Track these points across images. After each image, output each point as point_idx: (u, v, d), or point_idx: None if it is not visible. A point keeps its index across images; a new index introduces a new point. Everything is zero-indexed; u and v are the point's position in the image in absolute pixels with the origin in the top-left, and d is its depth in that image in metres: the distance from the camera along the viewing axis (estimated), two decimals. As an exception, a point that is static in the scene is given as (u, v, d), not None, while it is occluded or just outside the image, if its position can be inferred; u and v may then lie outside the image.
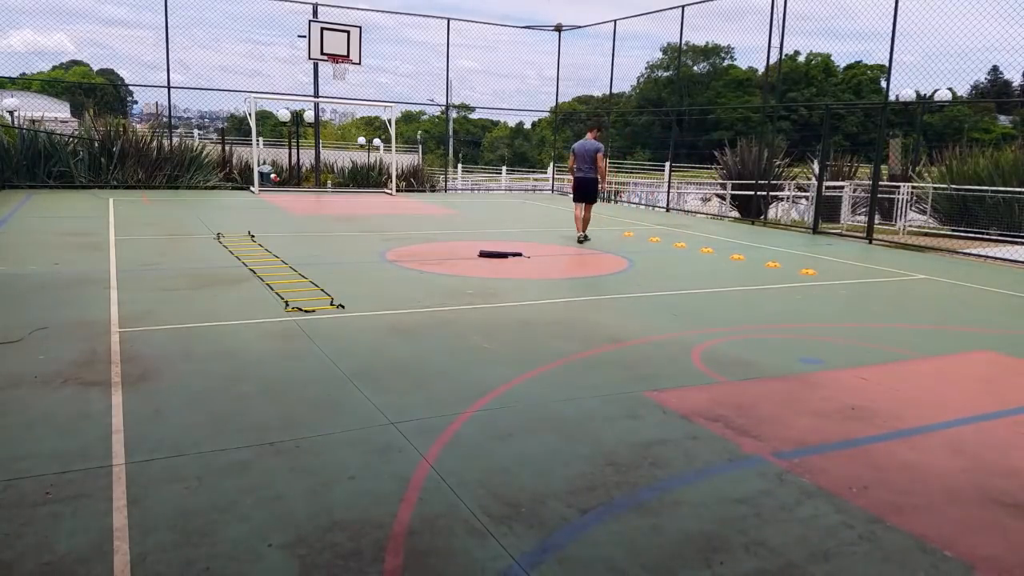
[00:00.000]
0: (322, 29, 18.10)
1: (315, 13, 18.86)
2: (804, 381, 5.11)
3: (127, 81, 34.14)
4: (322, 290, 7.36)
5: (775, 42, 15.46)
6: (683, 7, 17.30)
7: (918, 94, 18.79)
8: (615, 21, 20.05)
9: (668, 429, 4.15)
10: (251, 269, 8.34)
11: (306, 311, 6.52)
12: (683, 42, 18.24)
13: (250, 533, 2.94)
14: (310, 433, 3.93)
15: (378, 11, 30.37)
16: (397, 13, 29.54)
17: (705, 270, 9.86)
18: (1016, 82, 50.08)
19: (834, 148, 31.53)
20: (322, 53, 18.11)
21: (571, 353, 5.59)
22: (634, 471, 3.60)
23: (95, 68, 54.26)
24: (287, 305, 6.68)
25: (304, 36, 18.44)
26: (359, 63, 18.63)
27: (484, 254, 10.03)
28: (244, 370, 4.93)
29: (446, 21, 20.57)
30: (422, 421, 4.14)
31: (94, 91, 43.93)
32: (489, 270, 9.01)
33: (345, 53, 18.25)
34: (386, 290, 7.68)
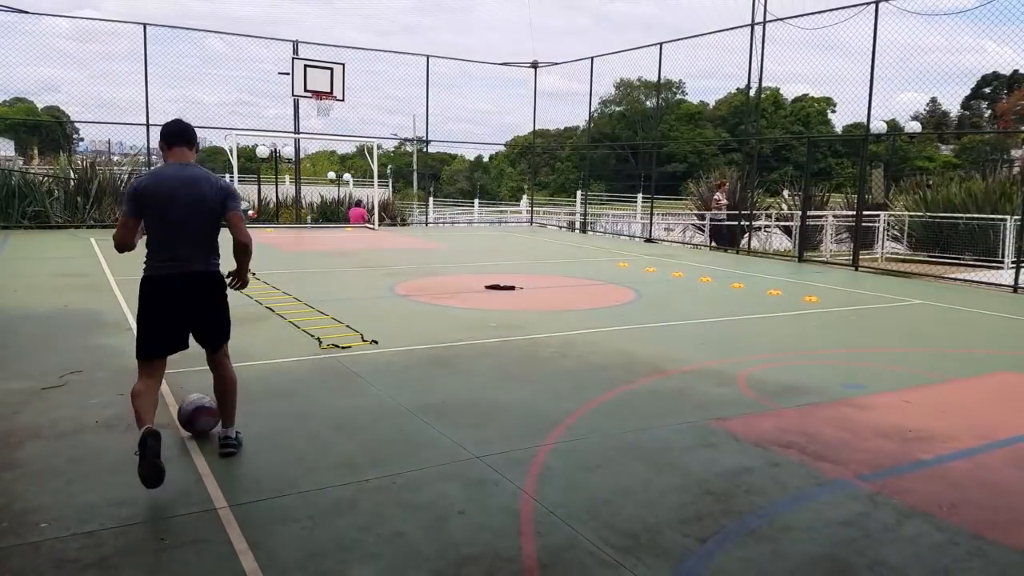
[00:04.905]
0: (305, 67, 18.15)
1: (296, 50, 18.91)
2: (854, 405, 5.25)
3: (72, 118, 33.36)
4: (348, 327, 7.33)
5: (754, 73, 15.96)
6: (661, 44, 17.77)
7: (888, 125, 19.52)
8: (591, 59, 20.49)
9: (748, 457, 4.23)
10: (268, 307, 8.26)
11: (342, 348, 6.49)
12: (639, 78, 18.72)
13: (384, 571, 2.93)
14: (401, 469, 3.92)
15: (357, 48, 30.40)
16: (375, 51, 29.48)
17: (712, 299, 10.05)
18: (953, 112, 52.07)
19: (786, 177, 32.33)
20: (306, 90, 18.14)
21: (620, 383, 5.66)
22: (734, 499, 3.67)
23: (40, 105, 51.99)
24: (320, 343, 6.64)
25: (285, 73, 18.47)
26: (343, 99, 18.69)
27: (492, 287, 10.09)
28: (306, 408, 4.89)
29: (425, 59, 20.79)
30: (506, 454, 4.16)
31: (38, 129, 43.02)
32: (503, 302, 9.06)
33: (328, 90, 18.30)
34: (410, 325, 7.68)
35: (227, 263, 4.06)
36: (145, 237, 3.94)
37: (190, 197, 3.84)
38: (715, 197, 18.59)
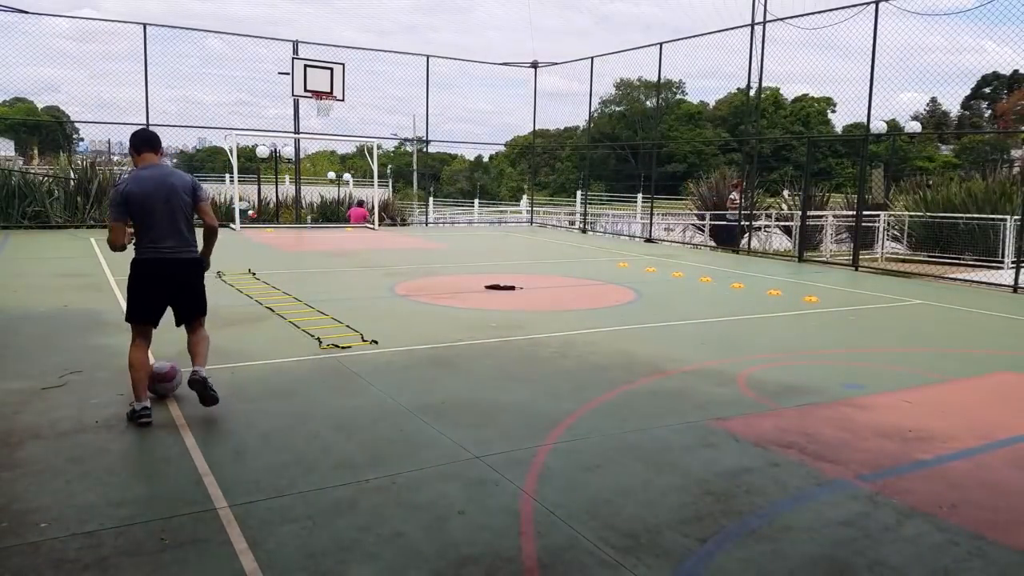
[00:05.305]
0: (305, 67, 18.15)
1: (296, 50, 18.92)
2: (854, 405, 5.25)
3: (72, 118, 33.39)
4: (348, 327, 7.32)
5: (753, 74, 15.97)
6: (661, 44, 17.78)
7: (889, 125, 19.52)
8: (591, 59, 20.49)
9: (748, 457, 4.23)
10: (268, 307, 8.26)
11: (342, 348, 6.49)
12: (639, 78, 18.76)
13: (384, 571, 2.93)
14: (401, 469, 3.92)
15: (357, 48, 30.29)
16: (375, 51, 29.40)
17: (712, 299, 10.05)
18: (953, 112, 51.93)
19: (786, 177, 32.36)
20: (306, 90, 18.14)
21: (620, 384, 5.66)
22: (733, 499, 3.67)
23: (40, 105, 51.83)
24: (320, 343, 6.64)
25: (285, 73, 18.47)
26: (343, 99, 18.70)
27: (492, 287, 10.10)
28: (306, 408, 4.89)
29: (425, 59, 20.79)
30: (506, 454, 4.16)
31: (38, 129, 43.03)
32: (503, 302, 9.06)
33: (328, 90, 18.31)
34: (410, 325, 7.68)
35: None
36: (133, 229, 4.64)
37: (165, 192, 4.59)
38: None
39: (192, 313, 4.86)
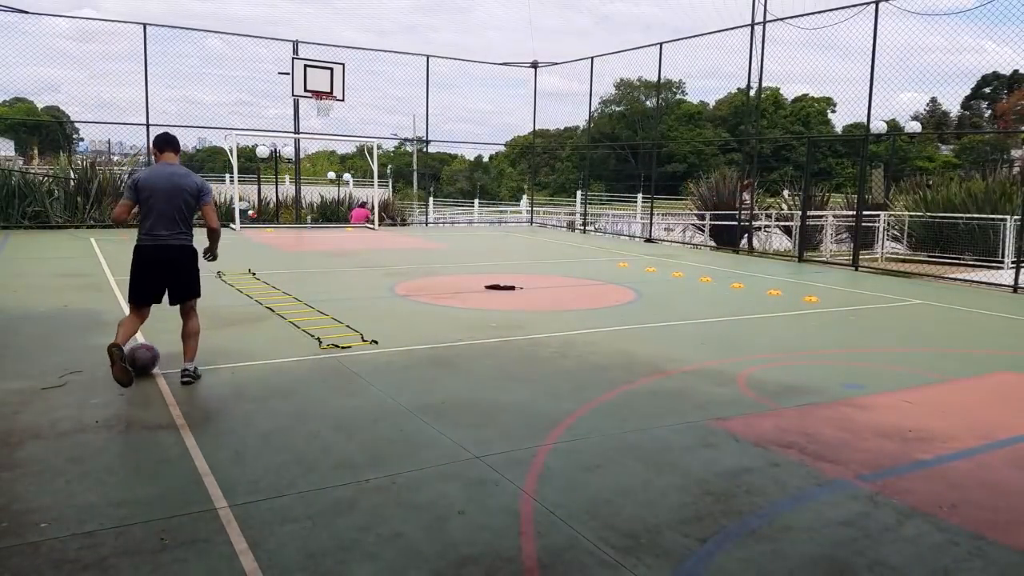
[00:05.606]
0: (305, 67, 18.16)
1: (296, 50, 18.92)
2: (854, 406, 5.25)
3: (72, 118, 33.35)
4: (348, 326, 7.32)
5: (753, 73, 15.98)
6: (661, 44, 17.78)
7: (888, 125, 19.52)
8: (591, 59, 20.49)
9: (748, 457, 4.23)
10: (268, 307, 8.26)
11: (342, 348, 6.49)
12: (639, 78, 18.76)
13: (384, 571, 2.93)
14: (401, 469, 3.92)
15: (357, 48, 30.25)
16: (375, 51, 29.27)
17: (712, 299, 10.06)
18: (953, 112, 51.87)
19: (786, 177, 32.37)
20: (306, 90, 18.15)
21: (620, 384, 5.66)
22: (733, 499, 3.67)
23: (40, 105, 51.66)
24: (321, 343, 6.63)
25: (285, 73, 18.47)
26: (343, 99, 18.70)
27: (492, 287, 10.10)
28: (306, 408, 4.89)
29: (425, 59, 20.79)
30: (506, 454, 4.16)
31: (38, 129, 43.01)
32: (503, 302, 9.06)
33: (328, 90, 18.32)
34: (410, 325, 7.68)
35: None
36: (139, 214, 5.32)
37: (171, 188, 5.25)
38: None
39: (184, 295, 5.45)
